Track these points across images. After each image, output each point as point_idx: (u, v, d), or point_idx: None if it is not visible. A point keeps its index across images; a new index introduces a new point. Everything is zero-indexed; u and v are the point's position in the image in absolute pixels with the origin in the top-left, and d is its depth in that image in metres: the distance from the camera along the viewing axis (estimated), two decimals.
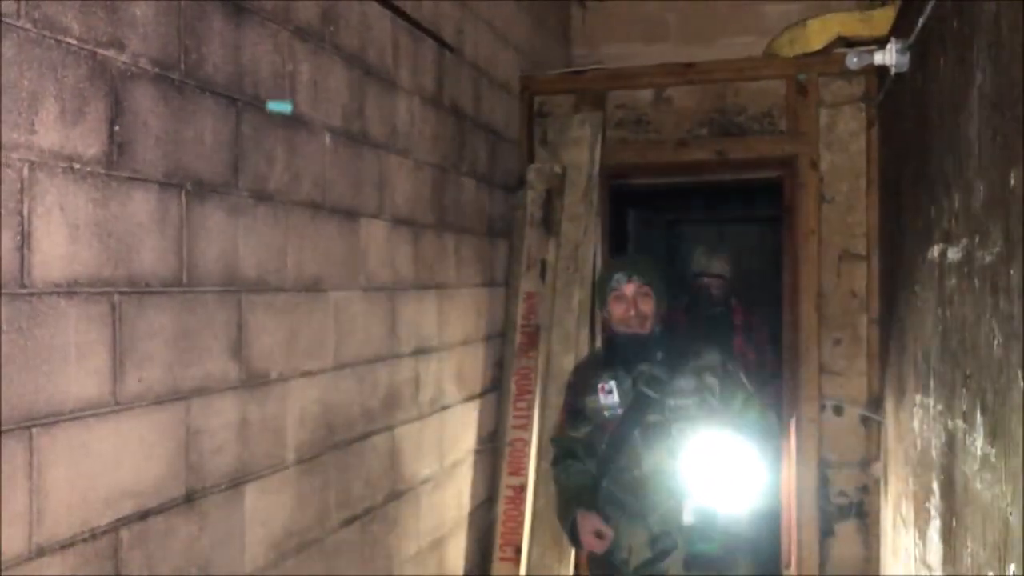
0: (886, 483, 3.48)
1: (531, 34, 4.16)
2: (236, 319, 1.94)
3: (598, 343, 3.92)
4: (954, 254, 1.93)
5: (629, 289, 2.58)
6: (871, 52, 2.80)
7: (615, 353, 2.66)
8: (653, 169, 4.16)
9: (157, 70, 1.70)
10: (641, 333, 2.57)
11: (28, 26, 1.40)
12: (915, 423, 2.55)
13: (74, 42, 1.50)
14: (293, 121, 2.15)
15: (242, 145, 1.96)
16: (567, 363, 3.62)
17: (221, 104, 1.89)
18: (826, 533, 3.81)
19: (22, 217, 1.40)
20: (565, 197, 3.81)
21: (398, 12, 2.71)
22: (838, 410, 3.80)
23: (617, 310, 2.59)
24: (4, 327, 1.36)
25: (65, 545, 1.48)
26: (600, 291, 2.69)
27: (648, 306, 2.58)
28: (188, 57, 1.78)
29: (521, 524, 3.54)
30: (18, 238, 1.39)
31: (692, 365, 2.57)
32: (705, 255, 4.37)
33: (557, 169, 3.85)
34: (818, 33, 3.67)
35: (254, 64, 2.00)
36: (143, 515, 1.66)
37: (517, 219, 3.80)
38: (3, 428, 1.35)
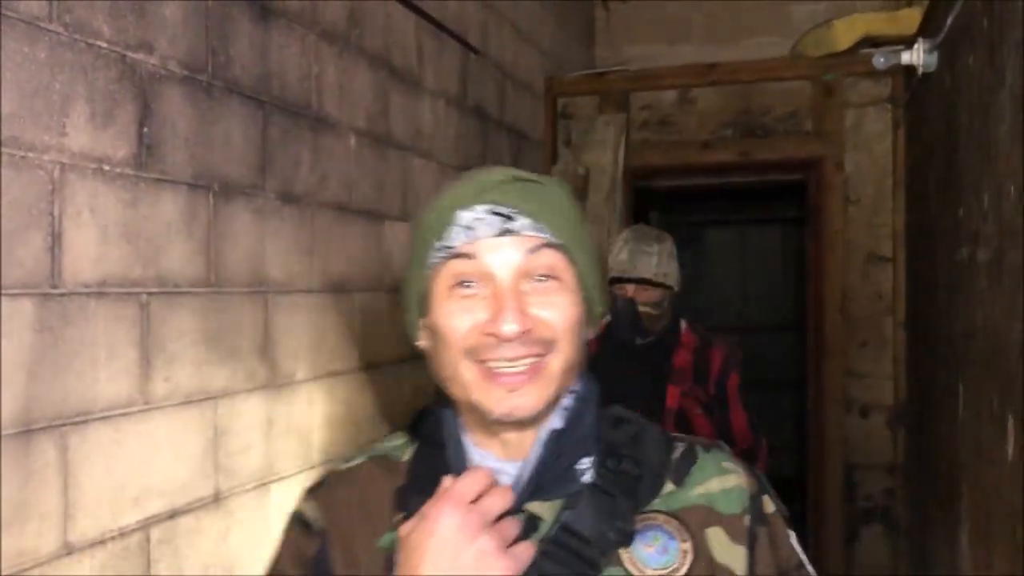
0: (915, 486, 3.45)
1: (555, 35, 4.16)
2: (263, 319, 1.95)
3: None
4: (984, 255, 1.91)
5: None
6: (898, 52, 2.78)
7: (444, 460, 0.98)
8: (677, 171, 4.15)
9: (185, 72, 1.71)
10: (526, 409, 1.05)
11: (59, 29, 1.42)
12: (944, 426, 2.52)
13: (104, 45, 1.51)
14: (319, 123, 2.16)
15: (269, 147, 1.97)
16: None
17: (248, 106, 1.90)
18: (851, 538, 3.78)
19: (53, 218, 1.41)
20: (588, 199, 3.81)
21: (423, 14, 2.72)
22: (864, 413, 3.77)
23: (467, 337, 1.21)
24: (36, 327, 1.37)
25: (96, 543, 1.49)
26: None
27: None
28: (216, 59, 1.80)
29: None
30: (49, 239, 1.40)
31: (680, 496, 0.93)
32: (629, 248, 2.66)
33: (580, 170, 3.84)
34: (844, 33, 3.64)
35: (281, 66, 2.01)
36: (172, 514, 1.67)
37: None
38: (35, 427, 1.37)
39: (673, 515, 0.90)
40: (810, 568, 0.93)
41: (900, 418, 3.67)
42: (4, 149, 1.33)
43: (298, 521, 0.99)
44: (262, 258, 1.95)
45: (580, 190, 3.80)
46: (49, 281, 1.40)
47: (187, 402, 1.71)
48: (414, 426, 1.00)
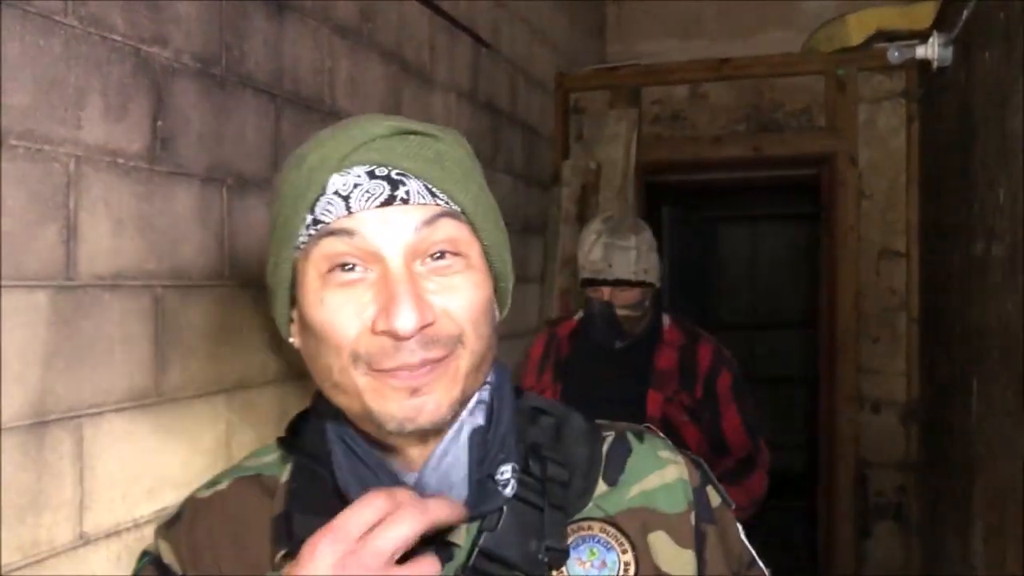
0: (927, 484, 3.44)
1: (566, 31, 4.15)
2: None
3: None
4: (999, 250, 1.90)
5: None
6: (913, 46, 2.76)
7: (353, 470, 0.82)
8: (688, 166, 4.14)
9: (199, 66, 1.71)
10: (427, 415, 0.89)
11: (75, 23, 1.42)
12: (957, 422, 2.51)
13: (119, 39, 1.52)
14: (332, 117, 2.17)
15: (282, 140, 1.97)
16: None
17: (261, 100, 1.90)
18: (864, 534, 3.77)
19: (68, 211, 1.42)
20: (600, 194, 3.81)
21: (435, 9, 2.72)
22: (876, 409, 3.75)
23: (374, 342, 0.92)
24: (51, 319, 1.38)
25: (111, 534, 1.50)
26: None
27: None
28: (230, 53, 1.80)
29: None
30: (64, 231, 1.41)
31: (615, 500, 0.80)
32: (603, 244, 2.35)
33: (592, 165, 3.84)
34: (857, 28, 3.62)
35: (294, 60, 2.02)
36: None
37: (552, 216, 3.79)
38: (50, 419, 1.38)
39: (610, 521, 0.78)
40: (761, 564, 0.84)
41: (913, 414, 3.65)
42: (20, 142, 1.34)
43: (153, 566, 0.82)
44: None
45: (592, 185, 3.80)
46: (64, 273, 1.41)
47: (201, 394, 1.72)
48: (290, 438, 0.85)
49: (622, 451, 0.82)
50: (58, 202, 1.40)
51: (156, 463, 1.60)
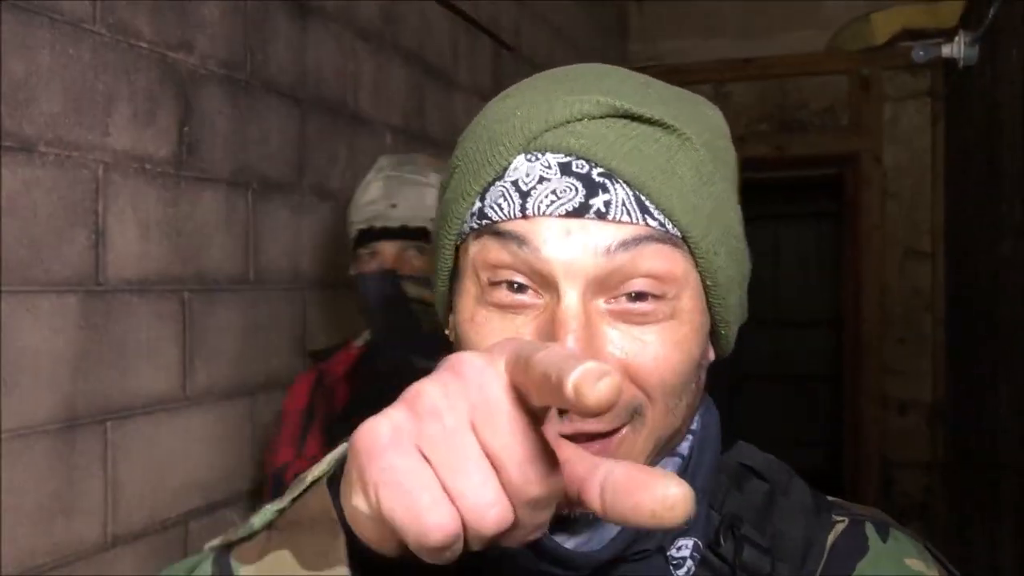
0: (954, 484, 3.41)
1: (587, 31, 4.15)
2: (301, 315, 1.97)
3: None
4: None
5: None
6: (938, 45, 2.74)
7: None
8: None
9: (224, 71, 1.73)
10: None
11: (103, 31, 1.44)
12: (985, 423, 2.49)
13: (145, 45, 1.54)
14: (355, 120, 2.18)
15: (306, 144, 1.99)
16: None
17: (286, 104, 1.92)
18: None
19: (97, 216, 1.44)
20: None
21: (457, 11, 2.72)
22: (902, 409, 3.73)
23: None
24: (80, 323, 1.40)
25: (138, 536, 1.51)
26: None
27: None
28: (254, 58, 1.81)
29: None
30: (93, 236, 1.43)
31: None
32: (384, 177, 1.60)
33: None
34: (882, 26, 3.60)
35: (317, 64, 2.03)
36: (211, 508, 1.69)
37: None
38: (79, 422, 1.39)
39: None
40: None
41: (940, 415, 3.62)
42: (50, 149, 1.35)
43: None
44: (299, 254, 1.97)
45: None
46: (93, 278, 1.43)
47: (227, 396, 1.74)
48: None
49: (854, 547, 0.60)
50: (87, 208, 1.42)
51: (182, 465, 1.62)
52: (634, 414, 0.54)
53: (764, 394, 7.06)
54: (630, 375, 0.53)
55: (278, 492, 1.32)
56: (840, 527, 0.62)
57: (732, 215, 0.59)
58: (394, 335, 1.46)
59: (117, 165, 1.47)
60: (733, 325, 0.62)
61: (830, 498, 0.65)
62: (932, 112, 3.64)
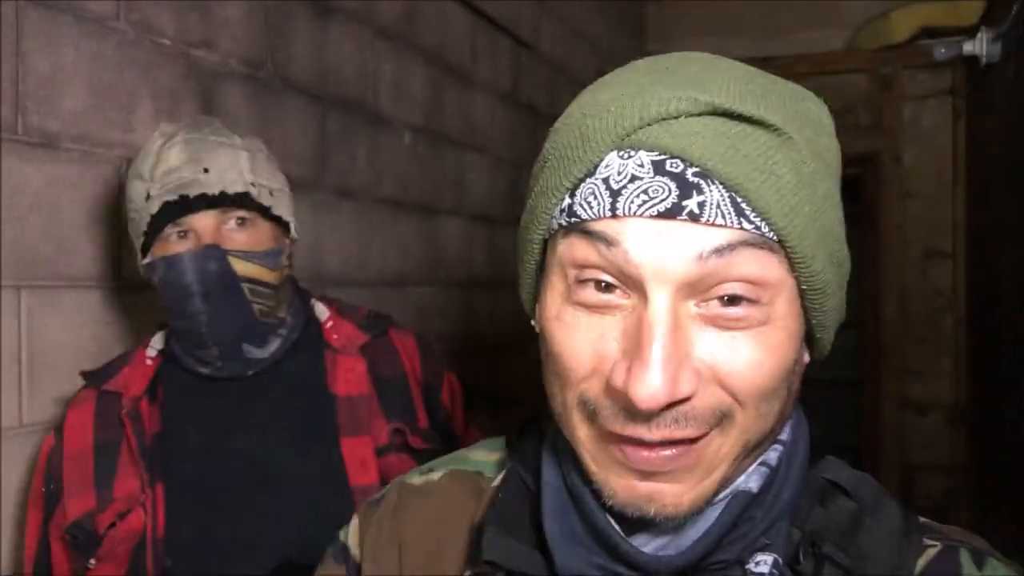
0: (976, 487, 3.38)
1: (606, 30, 4.14)
2: None
3: None
4: None
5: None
6: (960, 43, 2.72)
7: None
8: None
9: (245, 69, 1.73)
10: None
11: (126, 28, 1.45)
12: (1008, 424, 2.47)
13: (168, 43, 1.54)
14: (375, 119, 2.18)
15: (326, 142, 1.99)
16: None
17: (306, 102, 1.92)
18: None
19: (119, 212, 1.44)
20: None
21: (477, 11, 2.72)
22: (922, 411, 3.70)
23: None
24: (103, 319, 1.41)
25: None
26: None
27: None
28: (275, 56, 1.82)
29: None
30: (115, 233, 1.44)
31: None
32: (181, 142, 1.20)
33: None
34: (902, 25, 3.57)
35: (338, 63, 2.03)
36: None
37: None
38: None
39: None
40: None
41: (961, 416, 3.59)
42: (75, 145, 1.36)
43: (340, 550, 0.71)
44: (320, 252, 1.97)
45: None
46: (116, 274, 1.43)
47: None
48: (515, 438, 0.70)
49: (946, 573, 0.57)
50: (109, 204, 1.42)
51: None
52: (722, 418, 0.53)
53: None
54: (719, 380, 0.52)
55: (85, 544, 1.16)
56: (932, 551, 0.58)
57: (833, 217, 0.56)
58: (224, 321, 1.21)
59: None
60: (831, 328, 0.60)
61: (925, 520, 0.61)
62: (953, 110, 3.62)
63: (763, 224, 0.52)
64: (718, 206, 0.51)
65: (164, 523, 1.17)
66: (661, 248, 0.51)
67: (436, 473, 0.71)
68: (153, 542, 1.16)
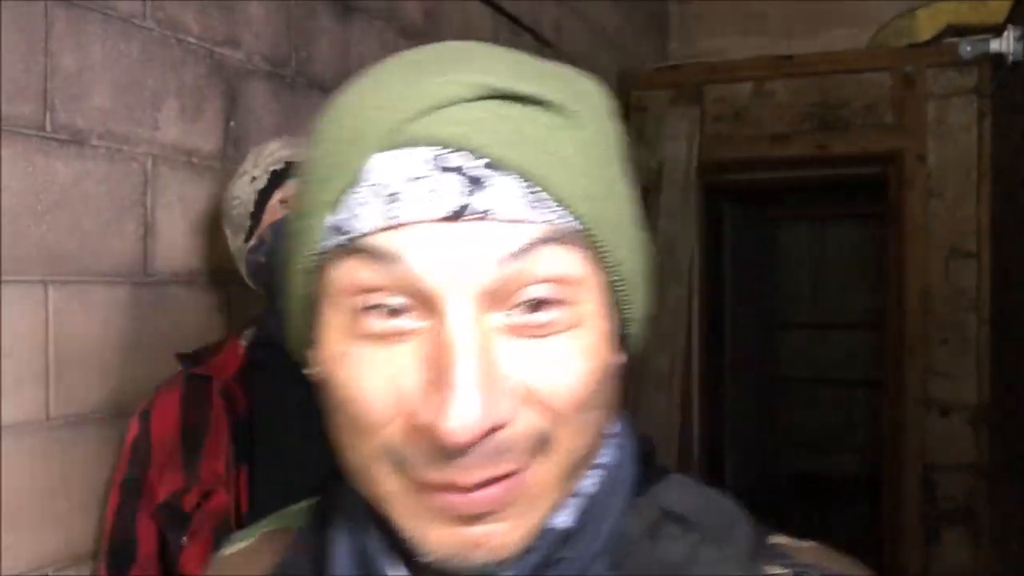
0: (1000, 488, 3.35)
1: (628, 29, 4.14)
2: None
3: (696, 342, 3.84)
4: None
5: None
6: (986, 40, 2.70)
7: None
8: (752, 164, 4.10)
9: (269, 68, 1.75)
10: None
11: (152, 26, 1.47)
12: None
13: (193, 41, 1.56)
14: None
15: None
16: (663, 363, 3.59)
17: (329, 101, 1.93)
18: (931, 539, 3.69)
19: (145, 209, 1.46)
20: (661, 193, 3.78)
21: (499, 9, 2.73)
22: (945, 412, 3.67)
23: None
24: (130, 314, 1.42)
25: None
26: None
27: None
28: (298, 55, 1.83)
29: None
30: (141, 229, 1.45)
31: None
32: (283, 139, 1.42)
33: (653, 164, 3.82)
34: (927, 23, 3.55)
35: (360, 62, 2.04)
36: None
37: None
38: (128, 411, 1.42)
39: None
40: None
41: (985, 417, 3.56)
42: (101, 142, 1.38)
43: None
44: None
45: (653, 185, 3.78)
46: (142, 269, 1.45)
47: None
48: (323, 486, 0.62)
49: None
50: (135, 200, 1.44)
51: None
52: (542, 443, 0.46)
53: (804, 398, 6.99)
54: (535, 397, 0.46)
55: (175, 523, 1.23)
56: None
57: (629, 201, 0.52)
58: None
59: (165, 158, 1.50)
60: (641, 323, 0.54)
61: (781, 543, 0.54)
62: (979, 109, 3.58)
63: (562, 214, 0.46)
64: (512, 199, 0.45)
65: (248, 503, 1.23)
66: (454, 255, 0.44)
67: (249, 539, 0.65)
68: (237, 521, 1.22)
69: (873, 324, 6.08)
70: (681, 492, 0.54)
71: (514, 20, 2.84)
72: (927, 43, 3.60)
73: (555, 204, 0.46)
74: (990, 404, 3.51)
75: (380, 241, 0.45)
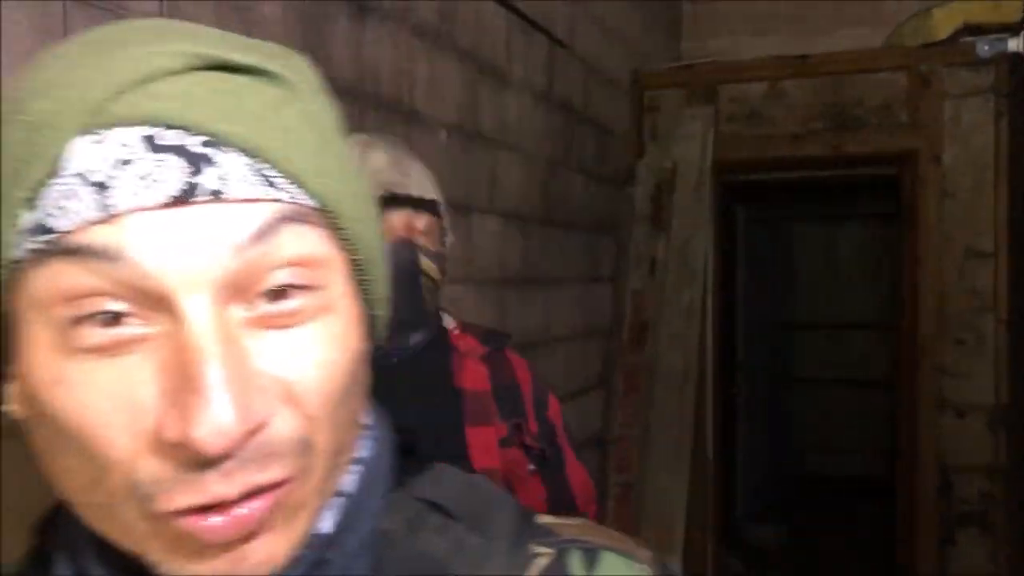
0: (1017, 490, 3.33)
1: (641, 28, 4.13)
2: None
3: (709, 342, 3.84)
4: None
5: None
6: (1004, 39, 2.68)
7: None
8: (766, 164, 4.08)
9: None
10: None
11: None
12: None
13: None
14: (411, 118, 2.19)
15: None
16: (675, 362, 3.58)
17: (344, 101, 1.93)
18: (946, 541, 3.67)
19: None
20: (675, 193, 3.78)
21: (512, 9, 2.73)
22: (960, 413, 3.65)
23: None
24: None
25: None
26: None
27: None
28: (314, 55, 1.83)
29: (629, 522, 3.52)
30: None
31: None
32: (384, 149, 1.44)
33: (667, 164, 3.81)
34: (943, 22, 3.53)
35: (374, 62, 2.04)
36: None
37: (625, 215, 3.78)
38: None
39: None
40: None
41: (1002, 419, 3.54)
42: None
43: None
44: None
45: (666, 184, 3.77)
46: None
47: None
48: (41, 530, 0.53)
49: None
50: None
51: None
52: (304, 450, 0.42)
53: (818, 398, 6.97)
54: (290, 394, 0.41)
55: None
56: (543, 561, 0.49)
57: (359, 177, 0.48)
58: (401, 306, 1.31)
59: None
60: (384, 304, 0.51)
61: (545, 523, 0.52)
62: (995, 109, 3.56)
63: (296, 192, 0.43)
64: (242, 178, 0.41)
65: None
66: (185, 245, 0.39)
67: None
68: None
69: (888, 325, 6.05)
70: (441, 482, 0.52)
71: (528, 20, 2.84)
72: (943, 42, 3.58)
73: (287, 181, 0.42)
74: (1008, 406, 3.49)
75: (93, 237, 0.39)
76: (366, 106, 2.01)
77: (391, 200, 1.35)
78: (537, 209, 2.99)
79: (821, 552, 5.35)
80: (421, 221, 1.40)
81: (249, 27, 1.65)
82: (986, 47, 2.67)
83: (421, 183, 1.41)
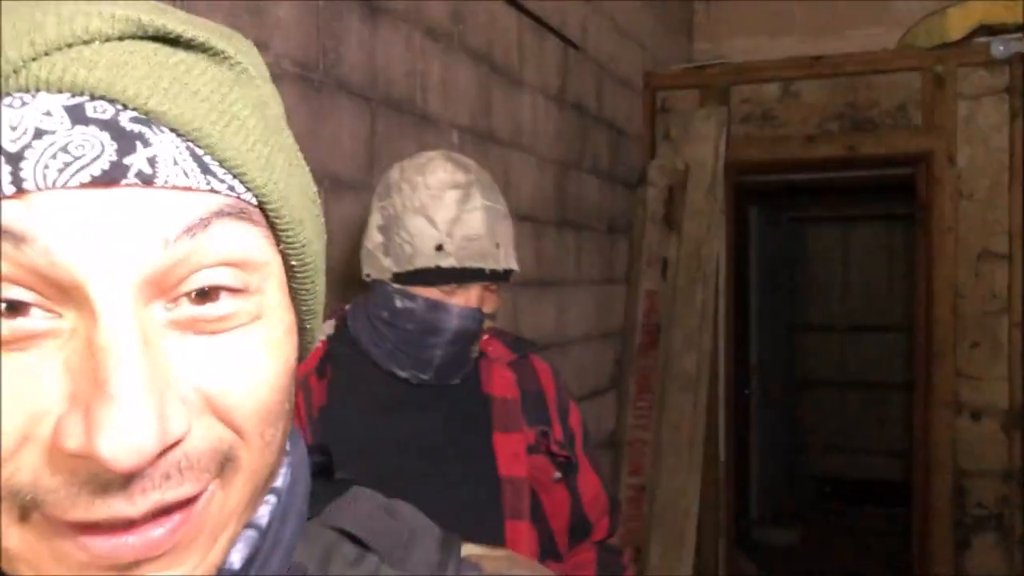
0: None
1: (654, 29, 4.12)
2: None
3: (722, 343, 3.82)
4: None
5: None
6: (1019, 39, 2.66)
7: None
8: (780, 166, 4.07)
9: (298, 70, 1.76)
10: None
11: None
12: None
13: None
14: (423, 119, 2.20)
15: (376, 143, 2.01)
16: (688, 364, 3.57)
17: (357, 103, 1.94)
18: (961, 545, 3.65)
19: None
20: (688, 194, 3.77)
21: (524, 11, 2.73)
22: (976, 416, 3.63)
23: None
24: None
25: None
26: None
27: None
28: (326, 57, 1.84)
29: (641, 524, 3.52)
30: None
31: None
32: (480, 207, 1.35)
33: (680, 165, 3.80)
34: (958, 22, 3.51)
35: (387, 63, 2.05)
36: None
37: (638, 216, 3.77)
38: None
39: None
40: None
41: (1018, 422, 3.51)
42: None
43: None
44: None
45: (679, 185, 3.77)
46: None
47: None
48: None
49: None
50: None
51: None
52: (224, 461, 0.38)
53: (833, 400, 6.94)
54: (213, 407, 0.37)
55: None
56: None
57: (306, 174, 0.44)
58: (453, 361, 1.37)
59: None
60: (320, 316, 0.46)
61: (471, 553, 0.48)
62: (1011, 109, 3.54)
63: (235, 183, 0.38)
64: (176, 163, 0.36)
65: None
66: (104, 231, 0.34)
67: None
68: None
69: (902, 327, 6.02)
70: (358, 510, 0.48)
71: (539, 21, 2.84)
72: (958, 43, 3.56)
73: (226, 172, 0.38)
74: (1022, 409, 3.47)
75: (5, 219, 0.34)
76: (379, 108, 2.01)
77: (477, 273, 1.33)
78: (550, 211, 2.99)
79: (835, 555, 5.33)
80: (495, 286, 1.40)
81: (263, 30, 1.66)
82: (1001, 47, 2.66)
83: (508, 251, 1.38)
